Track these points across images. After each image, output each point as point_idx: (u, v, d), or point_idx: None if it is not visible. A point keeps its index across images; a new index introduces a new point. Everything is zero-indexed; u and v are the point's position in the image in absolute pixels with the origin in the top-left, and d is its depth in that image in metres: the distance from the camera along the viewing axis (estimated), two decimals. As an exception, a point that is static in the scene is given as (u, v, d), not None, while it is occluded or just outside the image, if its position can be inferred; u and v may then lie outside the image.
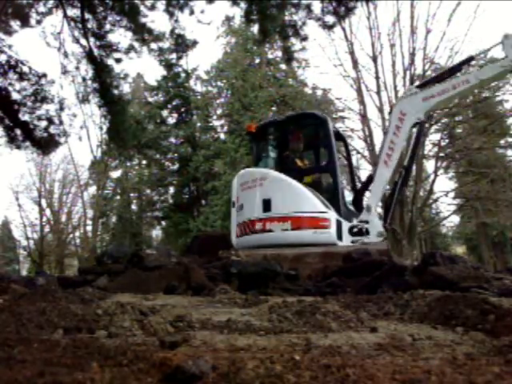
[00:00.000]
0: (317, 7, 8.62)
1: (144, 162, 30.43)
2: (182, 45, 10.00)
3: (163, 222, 30.96)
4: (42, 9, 9.47)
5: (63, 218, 31.25)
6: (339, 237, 6.70)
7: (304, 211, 6.68)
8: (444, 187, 44.37)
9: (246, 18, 8.89)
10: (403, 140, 7.29)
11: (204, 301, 3.12)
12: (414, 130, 7.50)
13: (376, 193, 7.26)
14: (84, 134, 25.87)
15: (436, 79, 7.36)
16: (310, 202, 6.76)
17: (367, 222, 6.90)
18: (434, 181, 17.49)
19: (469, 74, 6.86)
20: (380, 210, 8.37)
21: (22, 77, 9.54)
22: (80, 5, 9.31)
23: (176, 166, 29.52)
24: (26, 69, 9.56)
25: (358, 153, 17.68)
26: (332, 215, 6.72)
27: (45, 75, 9.79)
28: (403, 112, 7.22)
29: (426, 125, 16.79)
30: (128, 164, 30.70)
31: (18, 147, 9.81)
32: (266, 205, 6.96)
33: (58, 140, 9.98)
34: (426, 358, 1.33)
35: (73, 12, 9.54)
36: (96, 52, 9.72)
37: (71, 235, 31.73)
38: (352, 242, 6.73)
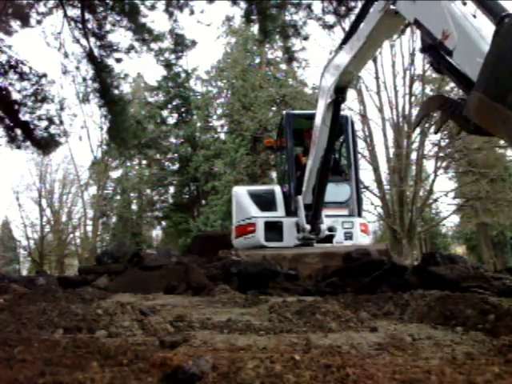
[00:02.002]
0: (317, 7, 8.64)
1: (144, 162, 30.42)
2: (182, 45, 10.01)
3: (163, 222, 30.98)
4: (42, 9, 9.51)
5: (63, 218, 31.28)
6: (274, 238, 6.70)
7: (237, 220, 7.34)
8: (444, 187, 44.33)
9: (246, 18, 8.90)
10: (320, 123, 5.77)
11: (204, 301, 3.12)
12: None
13: (304, 185, 6.41)
14: (84, 133, 25.93)
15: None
16: (242, 211, 7.26)
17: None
18: (433, 181, 17.52)
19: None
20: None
21: (22, 77, 9.55)
22: (80, 5, 9.32)
23: (176, 166, 29.53)
24: (26, 69, 9.59)
25: (358, 153, 17.69)
26: (259, 219, 6.84)
27: (45, 75, 9.81)
28: (322, 87, 5.78)
29: (426, 124, 16.86)
30: (128, 164, 30.69)
31: (19, 147, 9.84)
32: (231, 217, 7.88)
33: (58, 140, 10.01)
34: (426, 358, 1.34)
35: (73, 12, 9.57)
36: (96, 52, 9.74)
37: (71, 235, 31.77)
38: (298, 239, 6.51)
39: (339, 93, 5.38)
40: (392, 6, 3.83)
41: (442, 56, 3.11)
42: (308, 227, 6.24)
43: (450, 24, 3.00)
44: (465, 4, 3.06)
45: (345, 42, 5.05)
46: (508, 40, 2.43)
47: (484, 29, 2.87)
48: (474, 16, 2.95)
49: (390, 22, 4.14)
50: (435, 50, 3.16)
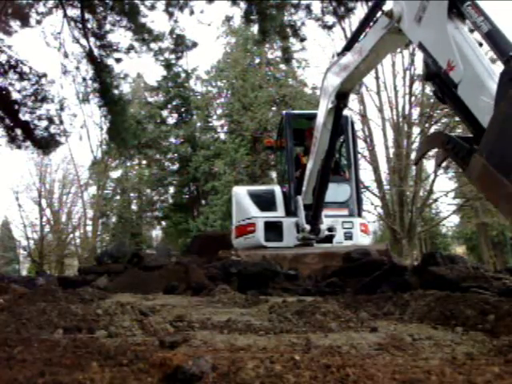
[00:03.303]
0: (316, 7, 8.64)
1: (144, 162, 30.42)
2: (182, 45, 10.01)
3: (163, 222, 30.98)
4: (41, 9, 9.50)
5: (63, 218, 31.25)
6: (274, 238, 6.73)
7: (237, 220, 7.40)
8: (444, 187, 44.25)
9: (245, 18, 8.90)
10: (322, 125, 5.72)
11: (204, 301, 3.12)
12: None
13: (304, 185, 6.40)
14: (84, 133, 25.87)
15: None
16: (242, 211, 7.32)
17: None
18: (433, 181, 17.51)
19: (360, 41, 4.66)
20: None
21: (22, 77, 9.55)
22: (80, 5, 9.32)
23: (176, 166, 29.53)
24: (26, 69, 9.58)
25: (358, 153, 17.69)
26: (259, 219, 6.89)
27: (45, 75, 9.81)
28: (324, 89, 5.68)
29: (426, 124, 16.86)
30: (128, 164, 30.68)
31: (19, 147, 9.83)
32: (231, 217, 8.00)
33: (58, 140, 10.01)
34: (426, 358, 1.33)
35: (73, 12, 9.57)
36: (96, 52, 9.73)
37: (71, 235, 31.74)
38: (298, 239, 6.51)
39: (341, 99, 5.36)
40: (397, 24, 3.71)
41: (447, 86, 2.95)
42: (308, 227, 6.25)
43: (456, 55, 2.86)
44: (472, 31, 2.90)
45: (346, 48, 4.98)
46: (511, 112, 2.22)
47: (490, 63, 2.75)
48: (481, 44, 2.82)
49: (394, 39, 4.05)
50: (440, 78, 3.01)
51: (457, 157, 2.78)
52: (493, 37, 2.66)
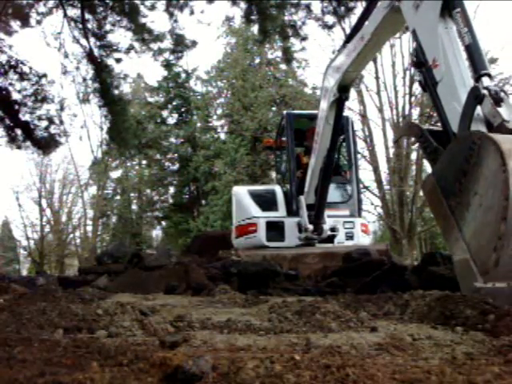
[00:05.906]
0: (316, 7, 8.64)
1: (144, 162, 30.40)
2: (182, 45, 10.00)
3: (163, 222, 30.97)
4: (42, 9, 9.48)
5: (63, 218, 31.26)
6: (276, 238, 6.71)
7: (238, 220, 7.42)
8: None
9: (245, 18, 8.89)
10: (323, 122, 5.83)
11: (204, 301, 3.12)
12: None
13: (307, 184, 6.41)
14: (84, 133, 25.86)
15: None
16: (243, 211, 7.32)
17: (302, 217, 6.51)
18: (434, 181, 17.46)
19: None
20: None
21: (22, 77, 9.54)
22: (80, 5, 9.31)
23: (176, 166, 29.52)
24: (26, 69, 9.57)
25: (358, 153, 17.69)
26: (261, 219, 6.86)
27: (45, 75, 9.79)
28: (325, 87, 5.84)
29: (426, 124, 16.84)
30: (128, 164, 30.68)
31: (19, 147, 9.82)
32: (231, 217, 8.09)
33: (58, 140, 9.99)
34: (426, 358, 1.33)
35: (73, 12, 9.55)
36: (96, 52, 9.72)
37: (71, 235, 31.74)
38: (300, 239, 6.49)
39: (342, 91, 5.50)
40: (397, 3, 3.88)
41: (430, 80, 3.19)
42: (311, 227, 6.25)
43: (441, 56, 3.09)
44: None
45: (348, 40, 5.09)
46: (458, 152, 2.56)
47: (469, 72, 2.98)
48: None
49: (394, 19, 4.17)
50: (426, 69, 3.24)
51: (425, 151, 3.11)
52: (471, 51, 2.90)
